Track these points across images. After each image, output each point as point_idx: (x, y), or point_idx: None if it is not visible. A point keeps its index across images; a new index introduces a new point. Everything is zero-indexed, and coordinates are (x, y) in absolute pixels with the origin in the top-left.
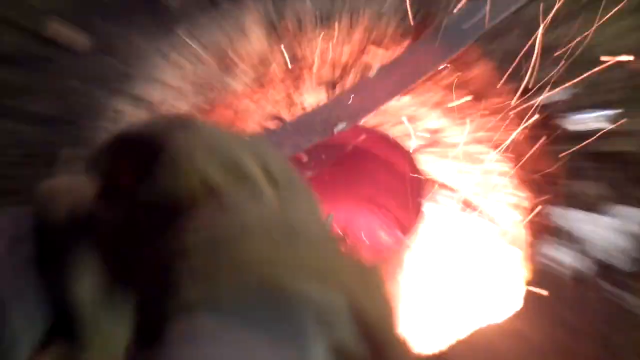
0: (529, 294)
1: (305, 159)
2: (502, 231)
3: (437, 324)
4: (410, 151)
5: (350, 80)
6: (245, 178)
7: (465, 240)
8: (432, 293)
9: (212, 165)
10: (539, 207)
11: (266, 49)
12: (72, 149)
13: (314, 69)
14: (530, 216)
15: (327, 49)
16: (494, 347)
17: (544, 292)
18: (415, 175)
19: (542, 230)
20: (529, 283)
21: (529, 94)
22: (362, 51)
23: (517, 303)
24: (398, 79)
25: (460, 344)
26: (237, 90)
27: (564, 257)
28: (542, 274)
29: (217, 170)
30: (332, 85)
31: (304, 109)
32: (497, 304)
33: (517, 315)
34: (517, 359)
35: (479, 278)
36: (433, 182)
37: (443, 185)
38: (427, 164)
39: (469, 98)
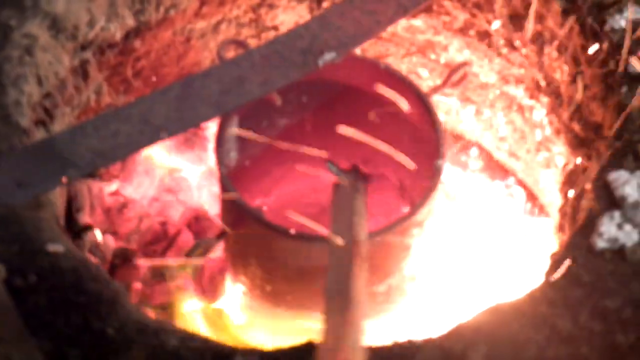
0: (564, 277)
1: (278, 101)
2: (540, 199)
3: (449, 305)
4: (425, 93)
5: None
6: None
7: (491, 213)
8: (447, 272)
9: None
10: (593, 170)
11: None
12: None
13: None
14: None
15: None
16: (511, 335)
17: (583, 276)
18: (430, 126)
19: (599, 200)
20: (563, 262)
21: (585, 17)
22: None
23: (537, 280)
24: None
25: (470, 329)
26: (186, 6)
27: (625, 237)
28: (584, 254)
29: None
30: None
31: (277, 31)
32: (519, 283)
33: (544, 299)
34: (540, 351)
35: (502, 255)
36: (454, 136)
37: (466, 140)
38: (447, 111)
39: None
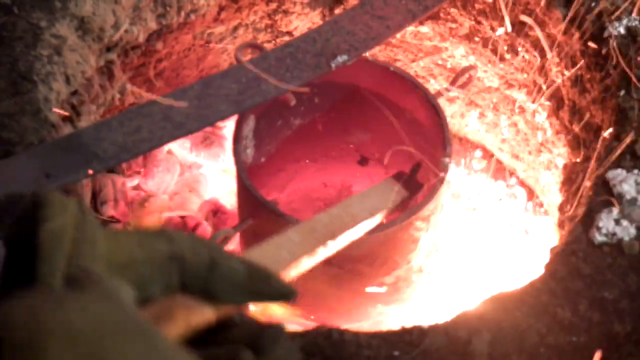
0: (564, 269)
1: (292, 102)
2: (540, 198)
3: (453, 294)
4: (432, 95)
5: None
6: None
7: (493, 208)
8: (452, 265)
9: None
10: (593, 169)
11: None
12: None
13: None
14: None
15: None
16: (513, 323)
17: (583, 268)
18: (437, 126)
19: (597, 197)
20: (564, 256)
21: (587, 22)
22: None
23: (538, 272)
24: None
25: (474, 317)
26: (206, 11)
27: (623, 232)
28: (584, 248)
29: None
30: (329, 3)
31: (291, 37)
32: (521, 275)
33: (545, 289)
34: (541, 338)
35: (505, 250)
36: (458, 137)
37: (470, 142)
38: (452, 113)
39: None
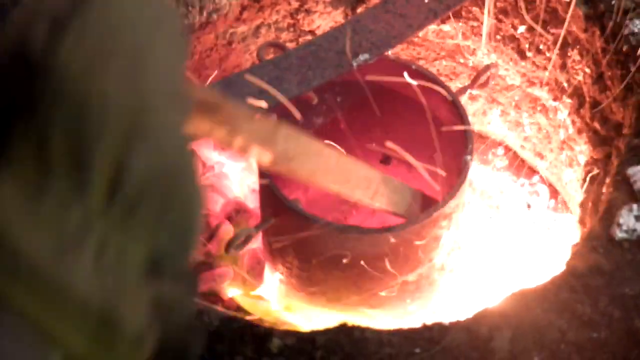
0: (585, 265)
1: (314, 100)
2: (562, 195)
3: (475, 291)
4: (454, 93)
5: None
6: None
7: (516, 208)
8: (475, 262)
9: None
10: (613, 166)
11: None
12: None
13: None
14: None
15: None
16: (534, 319)
17: (603, 265)
18: (459, 125)
19: (618, 194)
20: (585, 253)
21: (606, 21)
22: None
23: (559, 269)
24: None
25: (495, 313)
26: (228, 11)
27: None
28: (604, 244)
29: None
30: (351, 2)
31: (314, 36)
32: (543, 271)
33: (566, 285)
34: (562, 335)
35: (526, 245)
36: (480, 135)
37: (493, 139)
38: (475, 111)
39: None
